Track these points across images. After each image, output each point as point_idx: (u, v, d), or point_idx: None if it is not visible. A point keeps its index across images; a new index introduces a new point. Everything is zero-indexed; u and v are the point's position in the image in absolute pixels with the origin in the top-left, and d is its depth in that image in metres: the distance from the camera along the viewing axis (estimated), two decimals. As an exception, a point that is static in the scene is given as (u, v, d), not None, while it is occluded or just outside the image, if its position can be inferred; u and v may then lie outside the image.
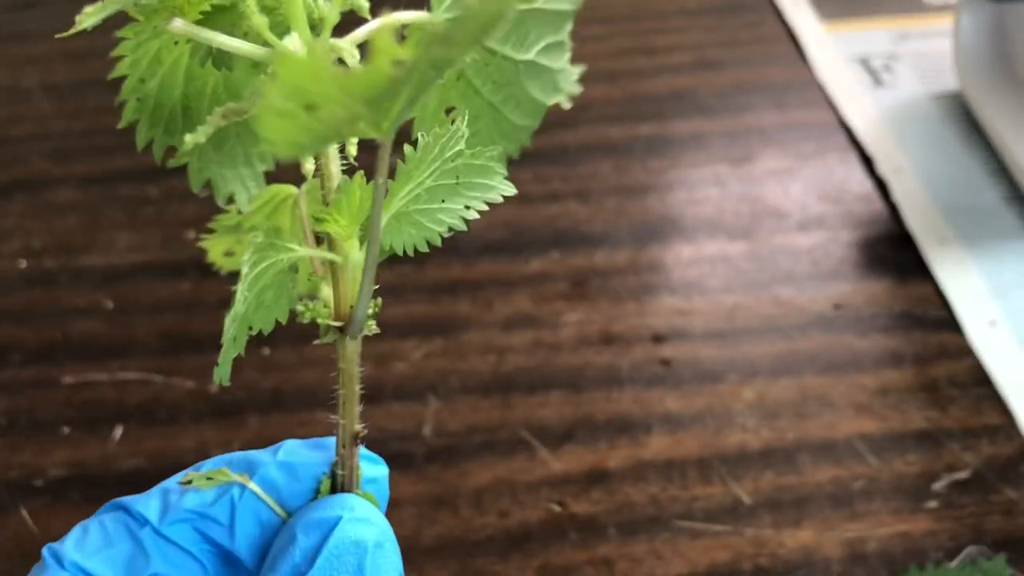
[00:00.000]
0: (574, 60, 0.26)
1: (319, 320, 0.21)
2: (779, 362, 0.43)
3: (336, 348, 0.22)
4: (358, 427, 0.22)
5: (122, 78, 0.21)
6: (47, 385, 0.43)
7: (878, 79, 0.59)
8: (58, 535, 0.37)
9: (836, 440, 0.40)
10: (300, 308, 0.21)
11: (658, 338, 0.45)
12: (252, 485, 0.22)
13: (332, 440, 0.22)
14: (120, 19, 0.20)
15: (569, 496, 0.39)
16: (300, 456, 0.22)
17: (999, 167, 0.52)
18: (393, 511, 0.38)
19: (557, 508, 0.38)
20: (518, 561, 0.37)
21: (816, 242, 0.49)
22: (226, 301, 0.52)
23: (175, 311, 0.46)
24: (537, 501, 0.38)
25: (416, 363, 0.44)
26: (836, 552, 0.36)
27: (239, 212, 0.24)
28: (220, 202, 0.24)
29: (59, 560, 0.22)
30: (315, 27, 0.20)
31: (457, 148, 0.21)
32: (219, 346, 0.28)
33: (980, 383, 0.42)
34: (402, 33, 0.21)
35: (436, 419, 0.41)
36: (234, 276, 0.21)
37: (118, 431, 0.41)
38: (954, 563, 0.36)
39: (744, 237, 0.49)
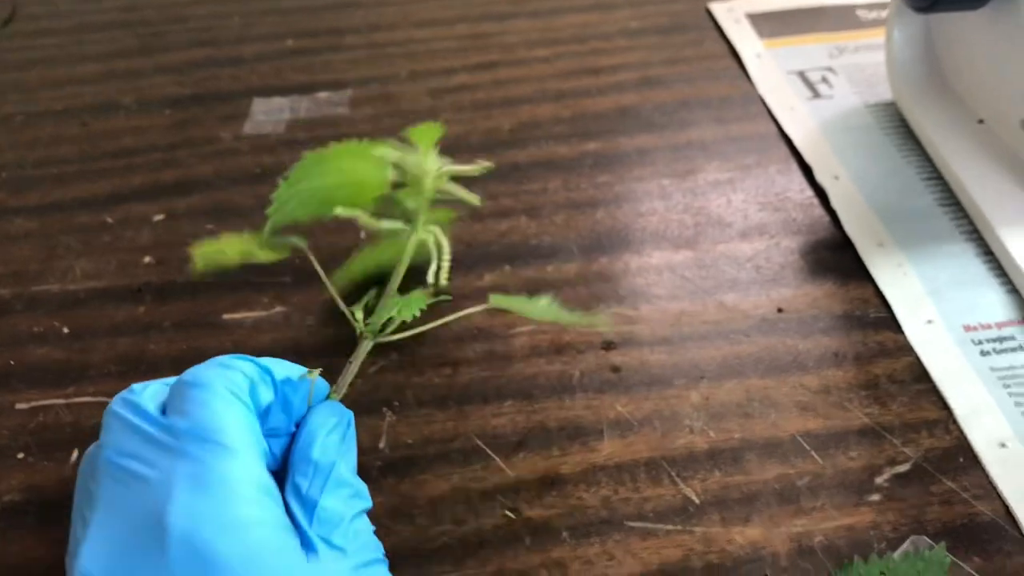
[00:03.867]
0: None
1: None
2: (724, 365, 0.44)
3: None
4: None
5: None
6: (1, 412, 0.43)
7: (816, 91, 0.61)
8: (14, 560, 0.38)
9: (781, 439, 0.41)
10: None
11: (608, 346, 0.46)
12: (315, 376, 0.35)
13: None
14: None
15: (523, 502, 0.39)
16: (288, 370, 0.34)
17: (933, 173, 0.54)
18: (350, 523, 0.39)
19: (511, 514, 0.39)
20: (473, 567, 0.37)
21: (759, 249, 0.50)
22: (180, 323, 0.52)
23: (131, 334, 0.47)
24: (492, 508, 0.39)
25: (372, 378, 0.44)
26: (783, 547, 0.37)
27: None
28: None
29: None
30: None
31: None
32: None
33: (918, 379, 0.43)
34: None
35: (392, 432, 0.42)
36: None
37: (75, 455, 0.41)
38: (896, 553, 0.37)
39: (689, 246, 0.51)
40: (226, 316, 0.47)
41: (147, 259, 0.51)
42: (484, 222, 0.53)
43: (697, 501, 0.39)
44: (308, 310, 0.48)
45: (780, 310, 0.47)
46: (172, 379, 0.33)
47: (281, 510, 0.30)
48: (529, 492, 0.40)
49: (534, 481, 0.40)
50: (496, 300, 0.41)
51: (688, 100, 0.61)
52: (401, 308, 0.39)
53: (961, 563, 0.37)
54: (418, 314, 0.39)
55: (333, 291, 0.41)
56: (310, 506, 0.31)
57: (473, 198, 0.43)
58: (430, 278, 0.42)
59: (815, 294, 0.48)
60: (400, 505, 0.39)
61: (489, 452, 0.41)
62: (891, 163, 0.55)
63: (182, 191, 0.56)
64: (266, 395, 0.33)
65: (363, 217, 0.41)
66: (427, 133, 0.42)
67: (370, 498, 0.33)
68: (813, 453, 0.41)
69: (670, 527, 0.38)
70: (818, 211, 0.53)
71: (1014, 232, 0.48)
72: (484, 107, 0.61)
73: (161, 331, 0.47)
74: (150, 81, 0.66)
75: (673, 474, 0.40)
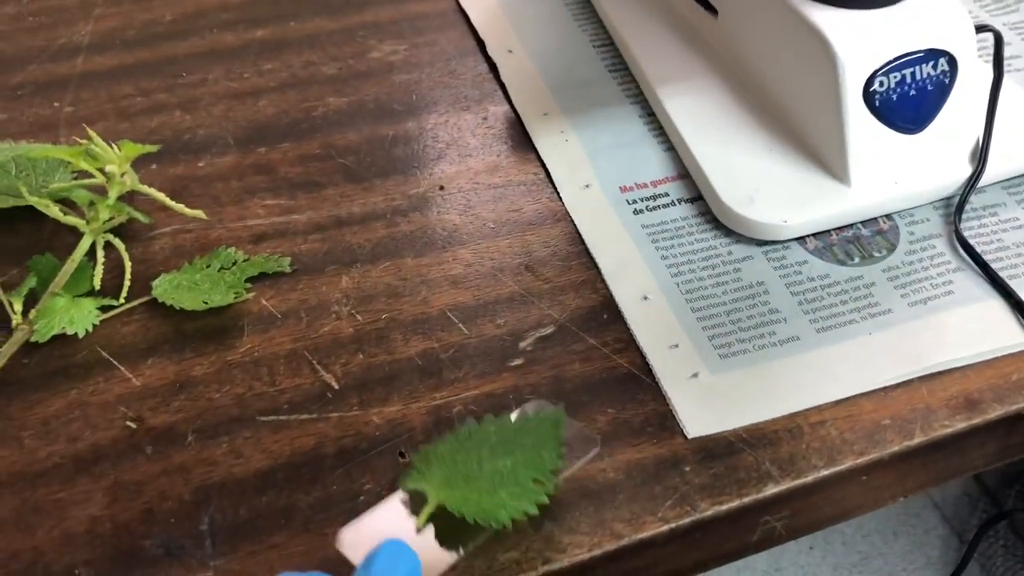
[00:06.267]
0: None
1: None
2: (379, 248, 0.43)
3: None
4: None
5: None
6: None
7: (497, -35, 0.59)
8: None
9: (430, 315, 0.40)
10: None
11: (258, 239, 0.43)
12: None
13: None
14: None
15: (147, 410, 0.37)
16: None
17: (607, 39, 0.53)
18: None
19: (133, 424, 0.36)
20: (85, 484, 0.34)
21: (426, 128, 0.48)
22: None
23: None
24: (112, 420, 0.36)
25: (-14, 298, 0.40)
26: (421, 421, 0.36)
27: None
28: None
29: None
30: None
31: None
32: None
33: (572, 243, 0.43)
34: None
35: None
36: None
37: None
38: (513, 414, 0.36)
39: (354, 130, 0.48)
40: None
41: None
42: (132, 119, 0.48)
43: (336, 387, 0.38)
44: (-84, 231, 0.42)
45: (441, 187, 0.45)
46: None
47: None
48: (155, 399, 0.37)
49: (162, 387, 0.37)
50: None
51: (367, -20, 0.58)
52: (73, 320, 0.38)
53: (595, 416, 0.37)
54: (90, 329, 0.39)
55: None
56: None
57: (179, 207, 0.41)
58: (96, 283, 0.40)
59: (477, 168, 0.46)
60: (4, 430, 0.36)
61: (114, 362, 0.38)
62: (567, 32, 0.54)
63: None
64: None
65: (46, 204, 0.40)
66: (133, 147, 0.40)
67: None
68: (460, 325, 0.40)
69: (304, 417, 0.37)
70: (491, 86, 0.51)
71: (671, 89, 0.48)
72: (144, -2, 0.56)
73: None
74: None
75: (314, 362, 0.38)
